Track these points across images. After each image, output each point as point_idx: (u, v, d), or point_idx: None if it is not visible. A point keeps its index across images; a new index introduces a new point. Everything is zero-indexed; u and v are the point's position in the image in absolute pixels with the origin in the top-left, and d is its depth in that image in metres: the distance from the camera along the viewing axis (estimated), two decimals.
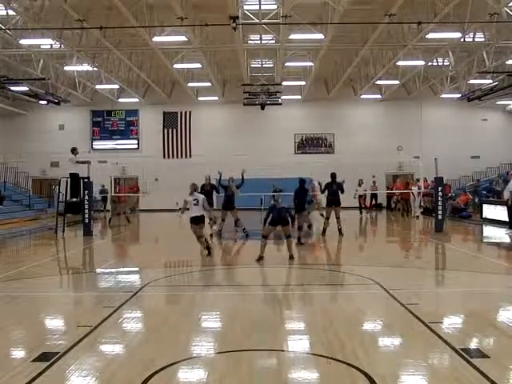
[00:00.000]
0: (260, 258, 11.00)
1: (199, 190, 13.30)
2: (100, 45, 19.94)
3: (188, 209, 12.20)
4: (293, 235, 11.83)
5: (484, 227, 18.72)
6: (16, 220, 22.47)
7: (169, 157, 31.27)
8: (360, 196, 25.42)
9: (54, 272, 10.79)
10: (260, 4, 17.43)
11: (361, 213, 25.42)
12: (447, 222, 18.28)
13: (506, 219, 17.13)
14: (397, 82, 26.61)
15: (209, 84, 27.20)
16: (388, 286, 7.96)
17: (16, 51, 21.01)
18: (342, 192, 15.65)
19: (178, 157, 31.20)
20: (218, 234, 15.86)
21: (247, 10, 17.46)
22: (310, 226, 16.75)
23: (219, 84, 28.37)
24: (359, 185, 25.24)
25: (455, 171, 28.38)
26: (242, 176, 16.26)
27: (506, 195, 16.91)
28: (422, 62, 22.89)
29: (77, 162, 16.69)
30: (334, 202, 15.55)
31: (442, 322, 6.22)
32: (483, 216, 20.19)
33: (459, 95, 27.15)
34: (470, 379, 4.42)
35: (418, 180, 24.31)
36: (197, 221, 11.96)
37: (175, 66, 23.25)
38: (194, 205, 11.92)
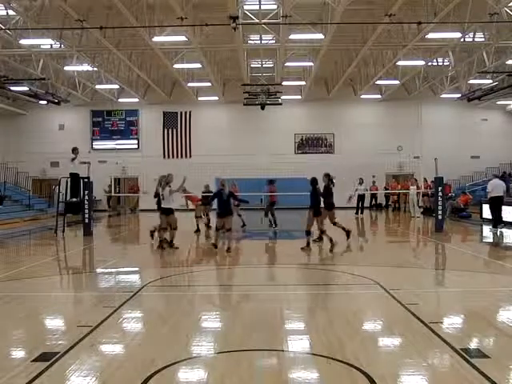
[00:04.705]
0: (214, 246, 12.32)
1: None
2: (100, 45, 19.94)
3: None
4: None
5: (484, 227, 18.71)
6: (16, 220, 22.47)
7: (169, 157, 31.25)
8: (360, 195, 24.83)
9: (54, 272, 10.79)
10: (260, 4, 17.43)
11: (357, 213, 24.78)
12: (447, 222, 18.29)
13: (506, 219, 17.21)
14: (397, 82, 26.61)
15: (209, 84, 27.19)
16: (388, 286, 7.96)
17: (16, 51, 21.02)
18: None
19: (178, 157, 31.17)
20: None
21: (247, 10, 17.46)
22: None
23: (219, 84, 28.36)
24: (360, 183, 24.74)
25: (455, 171, 28.38)
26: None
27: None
28: (422, 62, 22.89)
29: (81, 162, 16.67)
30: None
31: (442, 322, 6.22)
32: (483, 216, 20.19)
33: (459, 95, 27.17)
34: (470, 379, 4.41)
35: (416, 180, 24.30)
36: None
37: (175, 66, 23.25)
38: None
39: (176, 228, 13.21)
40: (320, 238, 13.57)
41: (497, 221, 16.47)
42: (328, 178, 13.35)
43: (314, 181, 12.92)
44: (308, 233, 12.66)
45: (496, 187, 16.46)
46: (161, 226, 13.23)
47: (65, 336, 5.86)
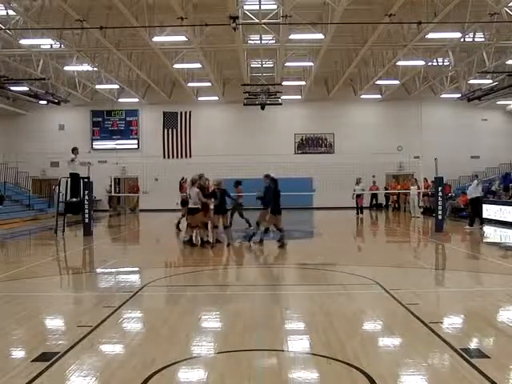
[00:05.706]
0: (211, 247, 13.01)
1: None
2: (100, 45, 19.93)
3: None
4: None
5: (484, 227, 18.69)
6: (16, 220, 22.47)
7: (169, 157, 31.23)
8: (358, 195, 24.55)
9: (54, 272, 10.79)
10: (260, 4, 17.42)
11: (357, 213, 24.51)
12: (447, 222, 18.28)
13: (506, 219, 17.31)
14: (397, 82, 26.60)
15: (209, 84, 27.19)
16: (388, 286, 7.96)
17: (16, 51, 21.01)
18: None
19: (177, 157, 31.15)
20: None
21: (247, 10, 17.44)
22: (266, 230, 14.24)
23: (219, 84, 28.35)
24: (357, 183, 24.37)
25: (455, 171, 28.37)
26: None
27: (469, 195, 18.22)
28: (422, 62, 22.87)
29: (81, 163, 16.68)
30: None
31: (442, 322, 6.22)
32: (483, 216, 20.15)
33: (459, 95, 27.15)
34: (469, 379, 4.42)
35: (416, 180, 24.29)
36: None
37: (175, 66, 23.24)
38: None
39: (200, 227, 13.72)
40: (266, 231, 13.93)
41: (481, 219, 17.85)
42: (268, 178, 13.80)
43: (274, 179, 13.53)
44: (274, 229, 13.60)
45: (479, 187, 17.29)
46: (196, 224, 13.62)
47: (65, 336, 5.86)
